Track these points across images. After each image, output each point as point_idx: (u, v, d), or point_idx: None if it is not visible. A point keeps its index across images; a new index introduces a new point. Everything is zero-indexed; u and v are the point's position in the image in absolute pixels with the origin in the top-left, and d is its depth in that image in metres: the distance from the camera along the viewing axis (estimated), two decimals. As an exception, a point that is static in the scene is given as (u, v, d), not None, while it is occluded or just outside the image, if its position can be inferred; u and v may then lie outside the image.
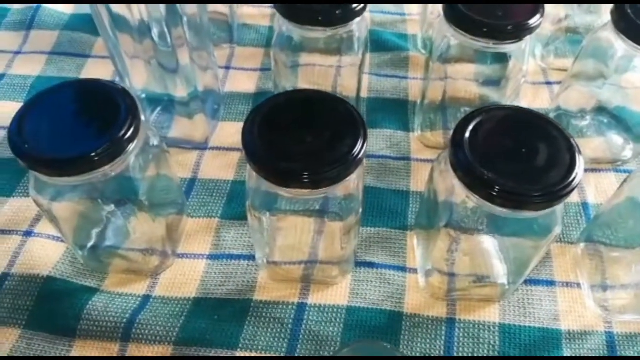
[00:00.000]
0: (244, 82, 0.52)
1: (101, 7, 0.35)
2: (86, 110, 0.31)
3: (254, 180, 0.31)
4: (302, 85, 0.46)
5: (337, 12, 0.38)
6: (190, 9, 0.38)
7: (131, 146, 0.30)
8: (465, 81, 0.45)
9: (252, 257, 0.39)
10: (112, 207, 0.35)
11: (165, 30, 0.36)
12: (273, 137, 0.29)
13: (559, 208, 0.30)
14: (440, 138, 0.46)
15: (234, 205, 0.43)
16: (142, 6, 0.35)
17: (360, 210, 0.33)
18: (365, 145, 0.29)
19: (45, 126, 0.30)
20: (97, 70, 0.52)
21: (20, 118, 0.30)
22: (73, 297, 0.37)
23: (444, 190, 0.33)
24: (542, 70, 0.54)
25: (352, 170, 0.29)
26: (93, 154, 0.28)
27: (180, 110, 0.43)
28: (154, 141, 0.34)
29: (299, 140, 0.29)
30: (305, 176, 0.28)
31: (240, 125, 0.47)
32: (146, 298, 0.37)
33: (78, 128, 0.30)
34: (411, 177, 0.44)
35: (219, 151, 0.46)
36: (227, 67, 0.53)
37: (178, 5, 0.36)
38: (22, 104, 0.48)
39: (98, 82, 0.32)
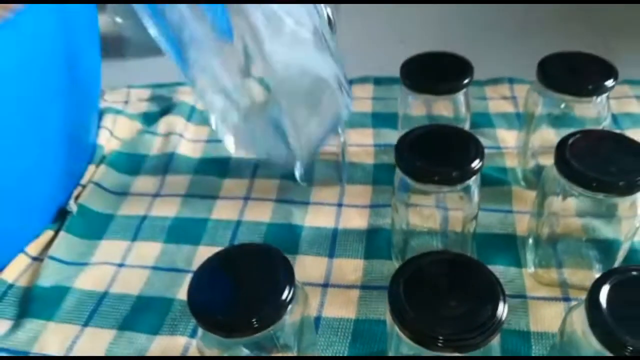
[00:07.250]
0: (356, 219, 0.56)
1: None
2: (251, 273, 0.36)
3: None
4: (414, 222, 0.49)
5: (454, 173, 0.42)
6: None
7: (291, 307, 0.34)
8: (577, 217, 0.47)
9: (381, 401, 0.41)
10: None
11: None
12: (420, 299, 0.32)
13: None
14: (554, 275, 0.48)
15: (358, 346, 0.45)
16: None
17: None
18: (505, 311, 0.31)
19: (216, 289, 0.35)
20: (225, 210, 0.58)
21: (196, 282, 0.35)
22: None
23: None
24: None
25: (495, 336, 0.31)
26: (256, 319, 0.33)
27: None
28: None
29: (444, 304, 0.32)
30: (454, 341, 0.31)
31: (356, 262, 0.52)
32: None
33: (244, 291, 0.35)
34: (529, 316, 0.45)
35: (339, 289, 0.50)
36: (339, 205, 0.58)
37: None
38: (160, 244, 0.56)
39: (258, 246, 0.37)
